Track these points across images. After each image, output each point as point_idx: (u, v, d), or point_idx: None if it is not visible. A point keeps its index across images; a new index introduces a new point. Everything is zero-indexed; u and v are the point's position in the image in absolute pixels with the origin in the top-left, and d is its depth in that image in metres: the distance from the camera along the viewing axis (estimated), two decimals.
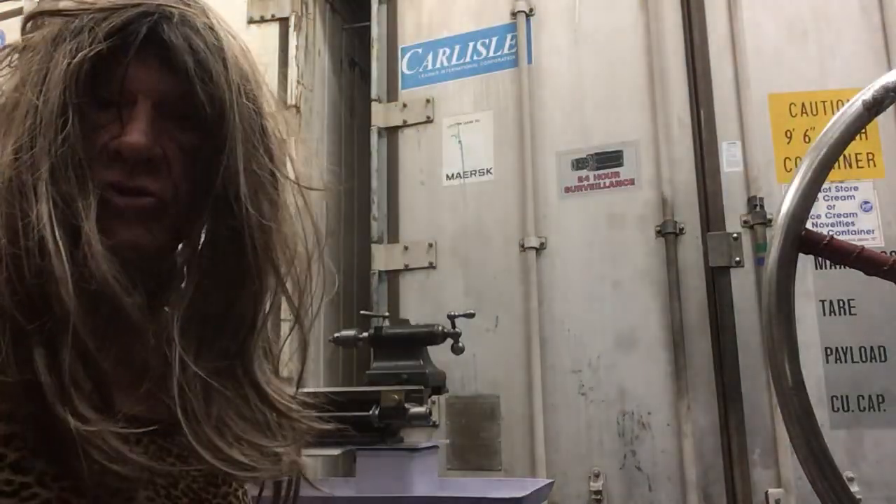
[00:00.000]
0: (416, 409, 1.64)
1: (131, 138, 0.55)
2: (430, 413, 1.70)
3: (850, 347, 2.08)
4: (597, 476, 2.25)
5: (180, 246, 0.61)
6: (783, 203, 0.83)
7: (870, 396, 2.05)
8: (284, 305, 0.62)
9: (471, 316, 1.87)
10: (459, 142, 2.60)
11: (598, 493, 2.22)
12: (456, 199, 2.57)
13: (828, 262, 2.12)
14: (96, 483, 0.48)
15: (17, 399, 0.47)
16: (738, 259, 2.20)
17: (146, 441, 0.55)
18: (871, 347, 2.07)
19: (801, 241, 0.77)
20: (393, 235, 2.64)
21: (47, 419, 0.47)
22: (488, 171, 2.55)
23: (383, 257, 2.61)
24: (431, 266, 2.54)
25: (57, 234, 0.49)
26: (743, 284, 2.19)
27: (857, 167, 2.18)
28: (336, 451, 1.64)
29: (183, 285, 0.58)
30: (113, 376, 0.52)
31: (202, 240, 0.59)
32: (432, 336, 1.82)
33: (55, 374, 0.47)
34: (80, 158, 0.53)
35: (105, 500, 0.49)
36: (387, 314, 2.43)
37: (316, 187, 0.66)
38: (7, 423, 0.47)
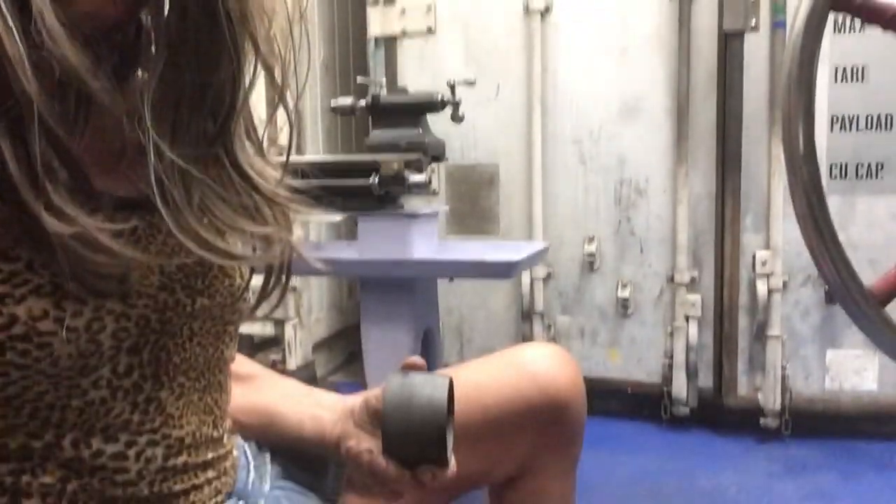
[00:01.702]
0: (415, 177, 1.65)
1: None
2: (430, 181, 1.71)
3: (857, 116, 2.05)
4: (591, 240, 2.32)
5: (144, 14, 0.55)
6: None
7: (869, 164, 2.06)
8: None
9: (471, 83, 1.81)
10: None
11: (591, 255, 2.31)
12: None
13: (846, 26, 2.01)
14: (85, 271, 0.48)
15: None
16: (753, 22, 2.08)
17: (135, 219, 0.53)
18: (879, 115, 2.04)
19: None
20: None
21: (25, 213, 0.45)
22: None
23: (379, 20, 2.47)
24: (430, 31, 2.42)
25: (3, 7, 0.42)
26: (756, 50, 2.10)
27: None
28: (337, 217, 1.67)
29: (151, 61, 0.52)
30: (89, 160, 0.49)
31: (167, 6, 0.52)
32: (431, 104, 1.78)
33: (25, 165, 0.44)
34: None
35: (97, 284, 0.49)
36: (384, 81, 2.35)
37: None
38: None
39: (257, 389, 0.81)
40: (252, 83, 0.55)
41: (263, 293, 0.65)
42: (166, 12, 0.53)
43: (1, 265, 0.46)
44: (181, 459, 0.58)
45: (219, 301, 0.59)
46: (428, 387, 0.66)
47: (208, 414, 0.61)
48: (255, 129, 0.60)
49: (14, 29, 0.42)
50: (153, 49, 0.54)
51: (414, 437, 0.64)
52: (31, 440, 0.50)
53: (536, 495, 0.87)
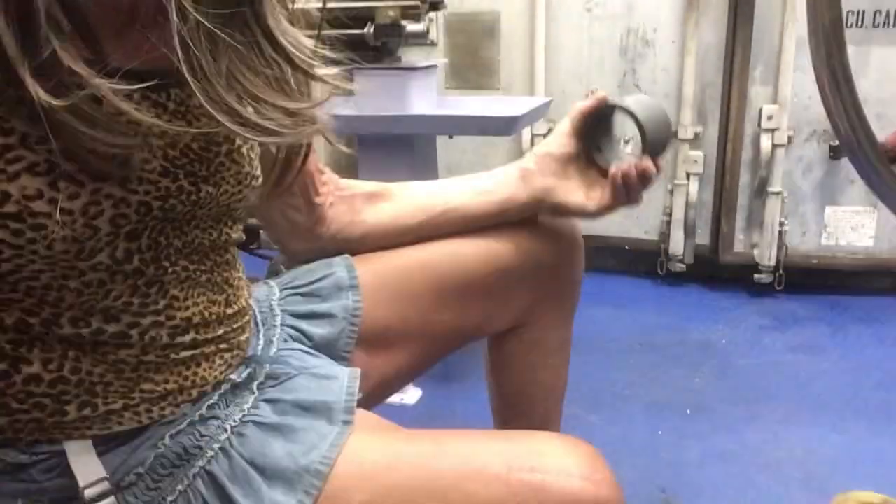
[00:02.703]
0: (413, 27, 1.57)
1: None
2: (428, 31, 1.63)
3: None
4: (592, 93, 2.25)
5: None
6: None
7: (888, 12, 1.95)
8: None
9: None
10: None
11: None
12: None
13: None
14: (83, 150, 0.44)
15: None
16: None
17: (137, 97, 0.48)
18: None
19: None
20: None
21: (19, 80, 0.40)
22: None
23: None
24: None
25: None
26: None
27: None
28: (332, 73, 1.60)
29: None
30: (96, 19, 0.45)
31: None
32: None
33: (15, 19, 0.39)
34: None
35: (96, 165, 0.45)
36: None
37: None
38: None
39: (400, 195, 0.83)
40: None
41: (283, 179, 0.63)
42: None
43: None
44: (189, 337, 0.57)
45: (225, 189, 0.57)
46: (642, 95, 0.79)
47: (219, 293, 0.61)
48: None
49: None
50: None
51: (665, 130, 0.77)
52: (27, 317, 0.50)
53: (536, 343, 0.89)
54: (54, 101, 0.41)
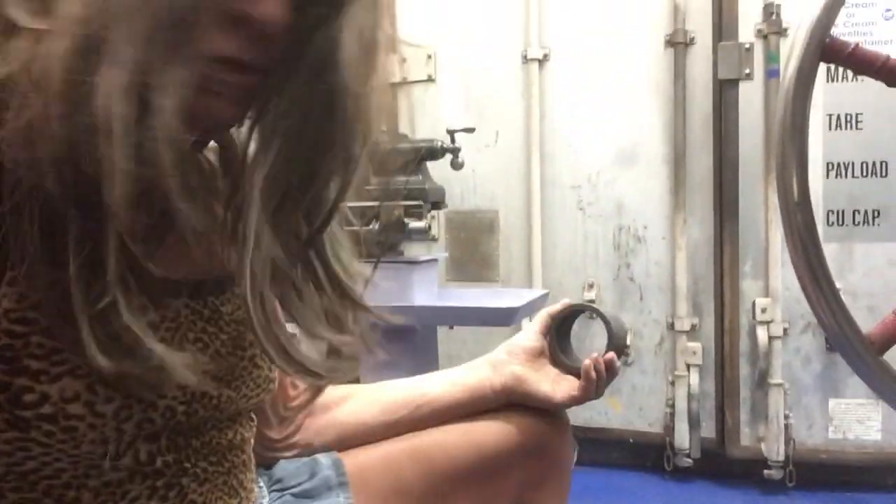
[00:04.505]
0: (415, 224, 1.66)
1: (270, 9, 0.44)
2: (430, 227, 1.72)
3: (852, 163, 2.07)
4: (591, 286, 2.32)
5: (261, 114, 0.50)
6: (808, 9, 0.77)
7: (865, 211, 2.07)
8: None
9: (471, 131, 1.83)
10: None
11: (591, 301, 2.31)
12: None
13: (839, 75, 2.05)
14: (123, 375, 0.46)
15: (43, 284, 0.43)
16: (747, 71, 2.12)
17: (180, 305, 0.51)
18: (874, 163, 2.06)
19: (824, 49, 0.73)
20: None
21: (74, 329, 0.43)
22: None
23: None
24: (430, 79, 2.45)
25: (122, 108, 0.38)
26: (751, 98, 2.13)
27: None
28: None
29: (264, 151, 0.48)
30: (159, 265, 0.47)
31: (284, 105, 0.48)
32: (431, 151, 1.80)
33: (83, 275, 0.42)
34: (188, 17, 0.40)
35: (132, 387, 0.47)
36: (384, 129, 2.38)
37: (416, 44, 0.58)
38: (36, 291, 0.43)
39: (372, 393, 0.84)
40: (353, 181, 0.51)
41: (309, 402, 0.65)
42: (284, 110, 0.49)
43: (43, 340, 0.44)
44: None
45: (244, 393, 0.57)
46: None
47: (233, 496, 0.59)
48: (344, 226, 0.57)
49: (125, 134, 0.39)
50: (267, 144, 0.49)
51: (624, 331, 0.88)
52: None
53: None
54: (105, 366, 0.43)
